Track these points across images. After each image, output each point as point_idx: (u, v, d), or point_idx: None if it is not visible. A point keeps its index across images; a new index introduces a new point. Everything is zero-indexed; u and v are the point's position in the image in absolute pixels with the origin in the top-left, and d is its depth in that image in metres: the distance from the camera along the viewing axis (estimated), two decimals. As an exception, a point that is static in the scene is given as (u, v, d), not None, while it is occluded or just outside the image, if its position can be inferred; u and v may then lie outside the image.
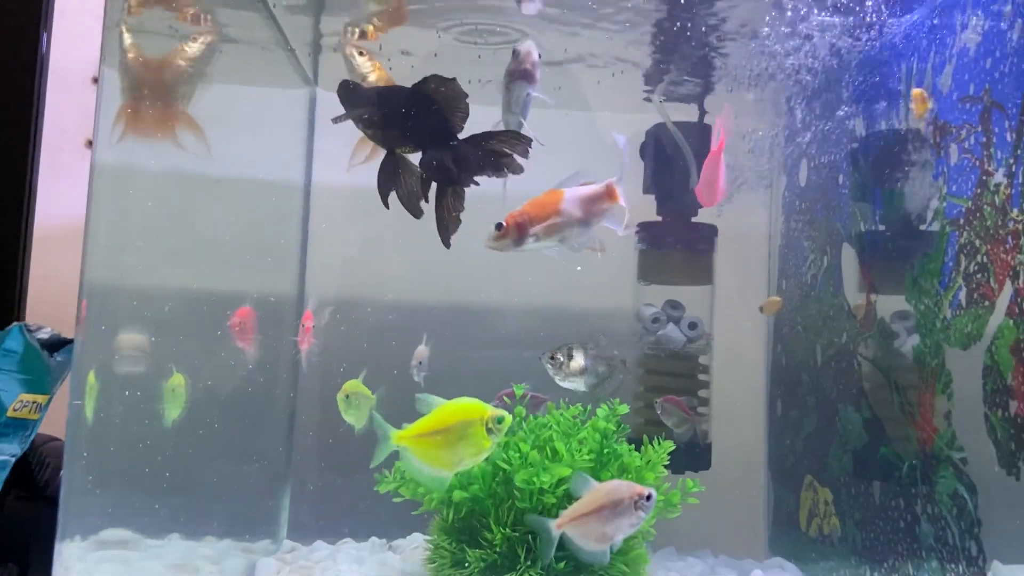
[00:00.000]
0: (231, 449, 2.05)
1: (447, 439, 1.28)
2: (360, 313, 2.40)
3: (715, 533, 2.25)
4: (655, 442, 1.81)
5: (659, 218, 2.31)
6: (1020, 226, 1.33)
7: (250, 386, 2.16)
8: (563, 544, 1.62)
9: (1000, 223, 1.38)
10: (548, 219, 1.39)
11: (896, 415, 1.70)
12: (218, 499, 1.98)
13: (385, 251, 2.40)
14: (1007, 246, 1.36)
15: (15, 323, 1.22)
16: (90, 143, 2.69)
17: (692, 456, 2.16)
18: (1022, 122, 1.34)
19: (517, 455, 1.67)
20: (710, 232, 2.27)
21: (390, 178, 1.40)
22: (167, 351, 1.72)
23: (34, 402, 1.21)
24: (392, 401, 2.11)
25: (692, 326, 2.25)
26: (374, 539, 2.21)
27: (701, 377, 2.26)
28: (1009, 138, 1.37)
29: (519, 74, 1.49)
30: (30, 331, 1.21)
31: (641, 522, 1.36)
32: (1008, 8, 1.38)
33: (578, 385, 1.76)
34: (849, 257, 1.97)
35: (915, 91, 1.58)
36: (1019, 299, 1.32)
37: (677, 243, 2.30)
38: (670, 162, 2.29)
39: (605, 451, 1.72)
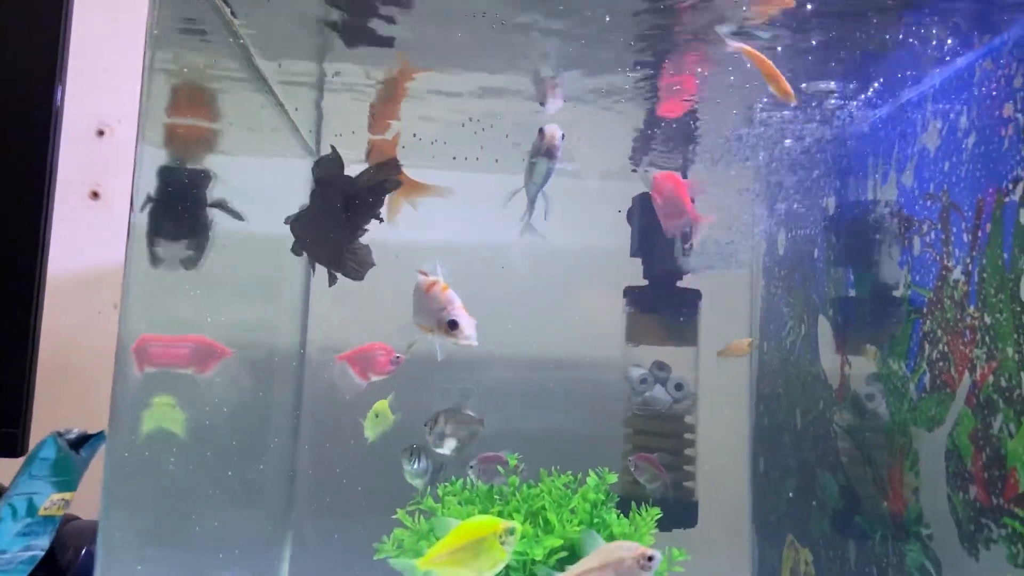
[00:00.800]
0: (232, 498, 2.13)
1: (465, 556, 1.37)
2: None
3: (701, 587, 2.33)
4: (642, 508, 1.91)
5: (645, 282, 2.42)
6: (976, 322, 1.44)
7: (252, 434, 2.25)
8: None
9: (959, 317, 1.49)
10: None
11: (869, 485, 1.80)
12: (220, 551, 2.06)
13: (379, 303, 2.50)
14: (965, 339, 1.47)
15: (50, 434, 1.31)
16: (95, 194, 2.80)
17: (679, 514, 2.26)
18: (977, 226, 1.44)
19: (511, 526, 1.76)
20: (694, 296, 2.38)
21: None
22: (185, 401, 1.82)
23: (62, 499, 1.30)
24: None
25: (678, 387, 2.35)
26: (374, 595, 2.29)
27: (687, 436, 2.36)
28: (966, 239, 1.48)
29: (543, 152, 1.67)
30: (61, 436, 1.31)
31: None
32: (964, 119, 1.49)
33: (445, 451, 1.89)
34: (825, 328, 2.08)
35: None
36: (976, 391, 1.43)
37: (663, 307, 2.40)
38: (655, 228, 2.41)
39: (595, 521, 1.80)
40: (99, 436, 1.40)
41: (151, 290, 1.61)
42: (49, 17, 2.43)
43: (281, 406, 2.42)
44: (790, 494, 2.23)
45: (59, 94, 2.63)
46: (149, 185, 1.61)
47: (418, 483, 1.93)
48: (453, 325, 1.40)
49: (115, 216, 2.79)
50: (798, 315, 2.22)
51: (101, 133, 2.85)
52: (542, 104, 1.96)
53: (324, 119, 2.26)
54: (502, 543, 1.35)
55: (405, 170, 2.05)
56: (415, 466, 1.96)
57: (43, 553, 1.29)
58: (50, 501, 1.27)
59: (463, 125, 2.14)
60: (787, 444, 2.25)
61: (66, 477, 1.29)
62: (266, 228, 2.33)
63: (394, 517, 1.93)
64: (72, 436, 1.33)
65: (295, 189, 2.47)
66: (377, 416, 2.07)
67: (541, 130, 1.66)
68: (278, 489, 2.40)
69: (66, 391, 2.56)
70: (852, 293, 1.95)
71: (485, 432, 2.16)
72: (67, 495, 1.30)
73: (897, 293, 1.71)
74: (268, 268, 2.41)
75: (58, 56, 2.60)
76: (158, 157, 1.64)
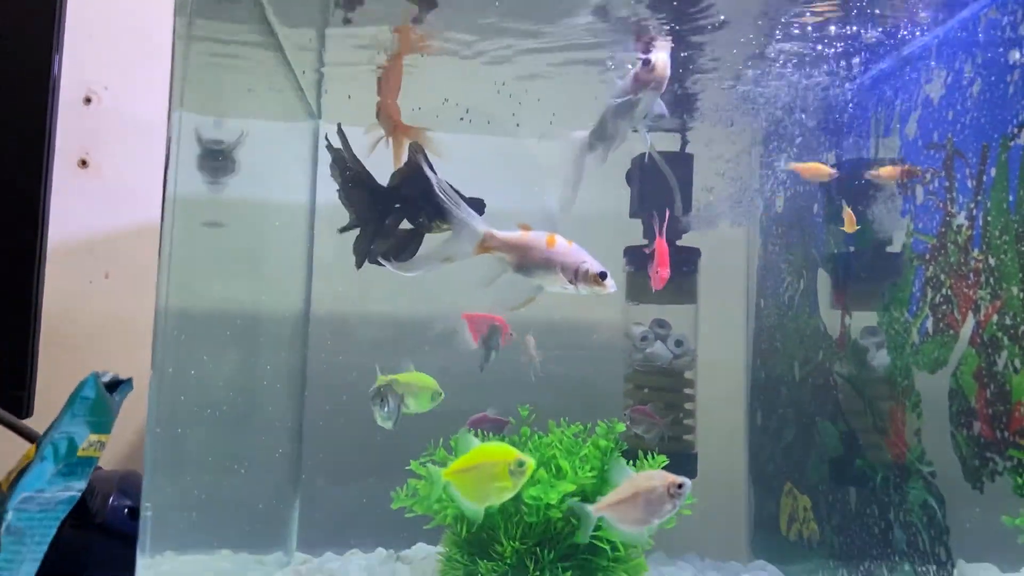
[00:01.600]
0: (244, 459, 2.15)
1: (478, 477, 1.41)
2: (362, 326, 2.55)
3: (701, 537, 2.40)
4: (649, 456, 1.96)
5: (645, 242, 2.46)
6: (980, 265, 1.49)
7: (260, 397, 2.27)
8: (569, 555, 1.78)
9: (963, 261, 1.54)
10: None
11: (870, 430, 1.86)
12: (234, 511, 2.08)
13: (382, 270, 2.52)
14: (969, 282, 1.52)
15: (91, 373, 1.32)
16: (83, 163, 2.78)
17: (680, 466, 2.31)
18: (982, 171, 1.49)
19: (525, 473, 1.80)
20: (694, 255, 2.42)
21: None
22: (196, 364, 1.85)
23: (99, 441, 1.32)
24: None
25: (678, 343, 2.40)
26: (380, 550, 2.33)
27: (687, 391, 2.41)
28: (970, 184, 1.53)
29: (651, 84, 1.51)
30: (99, 377, 1.32)
31: (676, 509, 1.49)
32: (968, 67, 1.54)
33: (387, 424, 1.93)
34: (824, 281, 2.13)
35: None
36: (980, 331, 1.48)
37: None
38: (655, 189, 2.45)
39: (605, 467, 1.85)
40: (128, 382, 1.42)
41: (181, 260, 1.61)
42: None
43: (288, 372, 2.45)
44: (787, 444, 2.29)
45: (56, 63, 2.61)
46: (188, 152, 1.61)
47: (388, 425, 1.96)
48: (603, 276, 1.41)
49: (105, 184, 2.78)
50: (796, 270, 2.27)
51: (88, 101, 2.83)
52: (645, 53, 1.73)
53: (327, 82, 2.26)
54: (511, 473, 1.39)
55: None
56: (384, 409, 1.99)
57: (79, 494, 1.31)
58: (88, 442, 1.29)
59: (498, 91, 2.12)
60: (785, 395, 2.31)
61: (103, 418, 1.31)
62: (274, 193, 2.35)
63: (407, 468, 1.97)
64: (107, 379, 1.35)
65: (300, 153, 2.49)
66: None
67: (647, 61, 1.50)
68: (287, 452, 2.43)
69: (62, 359, 2.56)
70: (852, 244, 2.00)
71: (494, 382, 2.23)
72: (103, 437, 1.32)
73: (898, 244, 1.76)
74: (274, 234, 2.42)
75: (55, 25, 2.58)
76: (190, 122, 1.65)
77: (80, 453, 1.27)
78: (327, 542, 2.39)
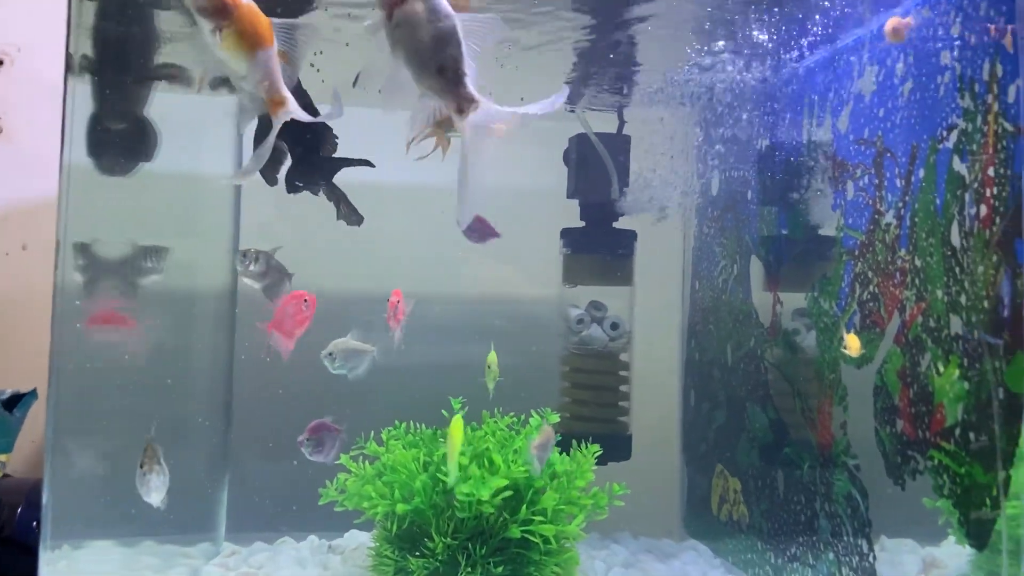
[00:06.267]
0: (168, 442, 2.09)
1: None
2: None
3: (635, 515, 2.42)
4: (582, 445, 1.96)
5: (582, 223, 2.44)
6: (907, 265, 1.50)
7: (186, 377, 2.21)
8: (501, 549, 1.77)
9: (890, 259, 1.55)
10: None
11: (798, 419, 1.88)
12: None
13: (315, 241, 2.45)
14: (895, 281, 1.53)
15: (-12, 400, 1.25)
16: (-4, 126, 2.64)
17: (614, 448, 2.33)
18: (910, 171, 1.49)
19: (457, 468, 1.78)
20: (630, 237, 2.41)
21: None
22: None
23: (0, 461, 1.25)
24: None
25: (614, 326, 2.40)
26: (313, 538, 2.30)
27: (622, 373, 2.42)
28: (898, 184, 1.53)
29: None
30: (-4, 400, 1.25)
31: None
32: (900, 66, 1.53)
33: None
34: (757, 267, 2.13)
35: None
36: (905, 330, 1.50)
37: (600, 248, 2.43)
38: (592, 170, 2.42)
39: (538, 461, 1.84)
40: (31, 394, 1.35)
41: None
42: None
43: (214, 348, 2.38)
44: (719, 426, 2.31)
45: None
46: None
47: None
48: None
49: (20, 152, 2.66)
50: (730, 255, 2.27)
51: (0, 63, 2.70)
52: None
53: None
54: None
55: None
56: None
57: (-18, 517, 1.25)
58: (-13, 465, 1.23)
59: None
60: (717, 378, 2.33)
61: (3, 439, 1.24)
62: (190, 163, 2.26)
63: (337, 463, 1.94)
64: (5, 396, 1.27)
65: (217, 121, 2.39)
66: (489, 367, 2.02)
67: None
68: (214, 433, 2.37)
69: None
70: (785, 234, 2.00)
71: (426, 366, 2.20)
72: (3, 457, 1.25)
73: (829, 235, 1.77)
74: (194, 204, 2.33)
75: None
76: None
77: (-21, 477, 1.21)
78: (258, 526, 2.35)
